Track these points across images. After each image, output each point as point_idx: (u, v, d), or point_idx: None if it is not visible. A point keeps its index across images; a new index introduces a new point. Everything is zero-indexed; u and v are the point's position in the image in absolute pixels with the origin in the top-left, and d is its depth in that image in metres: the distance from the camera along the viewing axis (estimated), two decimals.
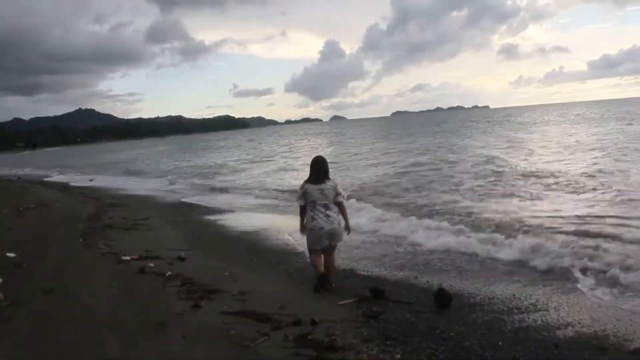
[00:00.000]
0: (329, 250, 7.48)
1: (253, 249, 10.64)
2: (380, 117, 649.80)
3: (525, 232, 9.97)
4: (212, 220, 14.60)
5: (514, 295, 6.99)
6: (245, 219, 14.56)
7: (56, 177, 40.80)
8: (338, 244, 7.55)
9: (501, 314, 6.34)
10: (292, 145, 62.63)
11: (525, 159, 23.61)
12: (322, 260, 7.51)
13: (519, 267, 8.31)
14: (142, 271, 8.36)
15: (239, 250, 10.54)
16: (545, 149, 28.53)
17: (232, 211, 16.29)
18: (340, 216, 7.35)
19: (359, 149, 43.42)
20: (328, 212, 7.21)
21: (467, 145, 36.05)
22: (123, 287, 7.48)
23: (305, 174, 7.81)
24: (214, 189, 23.16)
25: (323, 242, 7.31)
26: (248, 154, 50.42)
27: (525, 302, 6.69)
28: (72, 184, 31.24)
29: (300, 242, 10.01)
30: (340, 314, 6.43)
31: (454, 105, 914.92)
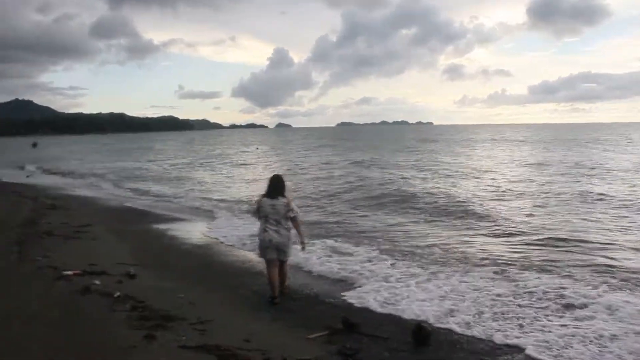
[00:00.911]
0: (281, 265, 7.89)
1: (208, 266, 9.95)
2: (326, 127, 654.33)
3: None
4: (161, 230, 13.69)
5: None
6: (195, 230, 13.74)
7: None
8: (288, 258, 8.00)
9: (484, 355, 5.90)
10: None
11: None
12: (276, 273, 7.82)
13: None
14: (87, 290, 7.44)
15: (192, 268, 9.78)
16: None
17: (181, 219, 15.39)
18: (291, 232, 7.79)
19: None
20: (278, 227, 7.66)
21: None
22: (64, 310, 6.53)
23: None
24: (157, 195, 22.06)
25: (271, 254, 7.72)
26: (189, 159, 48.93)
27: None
28: (4, 179, 29.24)
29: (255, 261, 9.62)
30: (312, 350, 5.89)
31: (399, 120, 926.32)
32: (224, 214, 16.54)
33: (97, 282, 7.87)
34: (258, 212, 7.85)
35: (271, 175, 8.26)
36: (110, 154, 66.91)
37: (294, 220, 7.77)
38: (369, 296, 7.94)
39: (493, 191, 20.00)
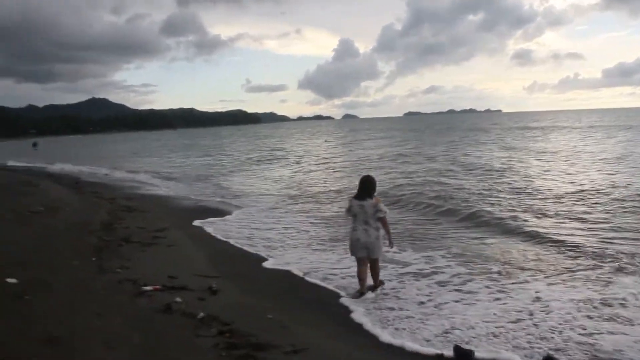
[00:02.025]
0: (371, 263, 8.20)
1: (292, 281, 9.18)
2: (392, 117, 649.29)
3: None
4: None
5: None
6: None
7: (67, 168, 39.36)
8: (377, 256, 8.25)
9: None
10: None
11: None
12: (367, 271, 8.18)
13: None
14: (168, 309, 6.85)
15: (276, 282, 9.09)
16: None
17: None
18: (379, 232, 8.06)
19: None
20: (366, 227, 8.00)
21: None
22: (145, 335, 5.92)
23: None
24: (235, 196, 21.56)
25: (360, 253, 8.09)
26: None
27: None
28: (84, 178, 29.79)
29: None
30: None
31: (467, 108, 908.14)
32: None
33: (179, 299, 7.27)
34: (348, 211, 8.28)
35: (361, 176, 8.55)
36: (181, 149, 67.92)
37: (382, 220, 8.05)
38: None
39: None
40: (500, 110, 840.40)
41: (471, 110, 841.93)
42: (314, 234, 13.17)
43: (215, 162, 41.55)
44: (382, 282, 8.40)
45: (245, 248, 11.62)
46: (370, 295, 7.98)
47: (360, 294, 7.99)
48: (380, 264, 8.55)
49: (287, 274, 9.56)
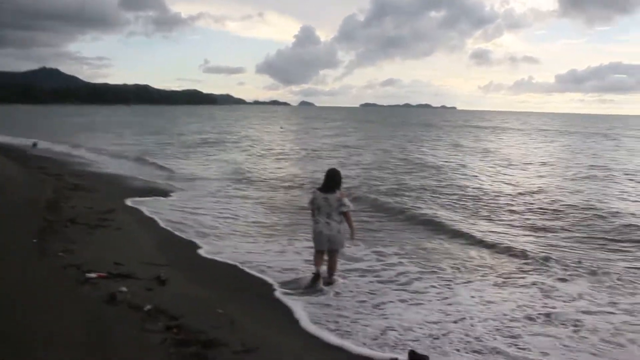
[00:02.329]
0: (330, 253, 8.22)
1: (237, 272, 8.88)
2: (349, 107, 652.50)
3: None
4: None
5: None
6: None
7: (10, 139, 37.86)
8: (340, 249, 8.31)
9: None
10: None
11: None
12: (322, 260, 8.25)
13: None
14: (113, 299, 6.53)
15: (225, 273, 8.81)
16: None
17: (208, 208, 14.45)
18: (342, 225, 8.09)
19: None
20: (328, 220, 8.03)
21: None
22: (89, 330, 5.59)
23: None
24: (186, 178, 21.11)
25: (323, 245, 8.13)
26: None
27: None
28: (30, 152, 28.70)
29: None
30: None
31: (423, 103, 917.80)
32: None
33: (124, 288, 6.94)
34: (312, 203, 8.26)
35: (328, 169, 8.61)
36: (137, 127, 66.32)
37: (345, 214, 8.10)
38: None
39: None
40: (454, 107, 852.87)
41: (427, 106, 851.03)
42: (256, 220, 13.13)
43: (167, 142, 40.74)
44: (335, 281, 8.19)
45: (190, 235, 11.27)
46: (323, 287, 7.88)
47: (314, 275, 7.99)
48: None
49: (233, 264, 9.27)
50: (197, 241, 10.65)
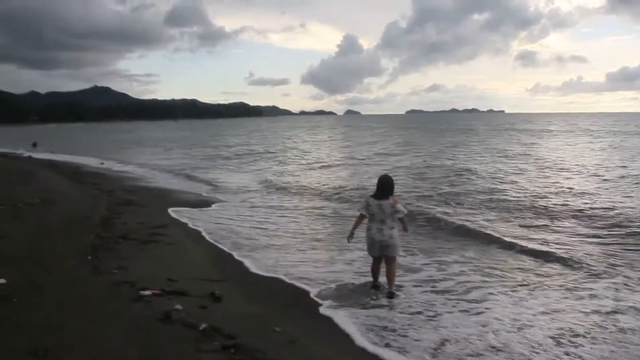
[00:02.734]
0: (387, 261, 8.08)
1: (293, 287, 8.55)
2: (395, 114, 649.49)
3: None
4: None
5: None
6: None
7: (68, 158, 38.78)
8: (396, 256, 8.20)
9: None
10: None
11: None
12: (379, 270, 8.21)
13: None
14: (168, 318, 6.34)
15: (277, 288, 8.51)
16: None
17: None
18: (394, 230, 7.97)
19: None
20: (382, 226, 7.93)
21: None
22: (142, 349, 5.40)
23: None
24: (233, 192, 21.02)
25: (375, 252, 8.09)
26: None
27: None
28: (83, 169, 29.27)
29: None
30: None
31: (469, 108, 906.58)
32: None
33: (179, 306, 6.75)
34: (366, 209, 8.08)
35: (380, 175, 8.46)
36: (184, 141, 67.29)
37: (401, 220, 8.07)
38: None
39: None
40: (503, 111, 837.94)
41: (474, 110, 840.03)
42: (303, 231, 12.90)
43: (212, 154, 41.09)
44: (396, 294, 7.90)
45: (239, 248, 11.04)
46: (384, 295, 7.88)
47: (374, 287, 8.14)
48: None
49: (284, 278, 8.95)
50: (247, 254, 10.45)
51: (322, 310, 7.45)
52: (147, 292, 7.23)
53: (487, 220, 13.70)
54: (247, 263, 9.82)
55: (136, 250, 9.87)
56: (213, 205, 16.39)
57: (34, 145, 33.24)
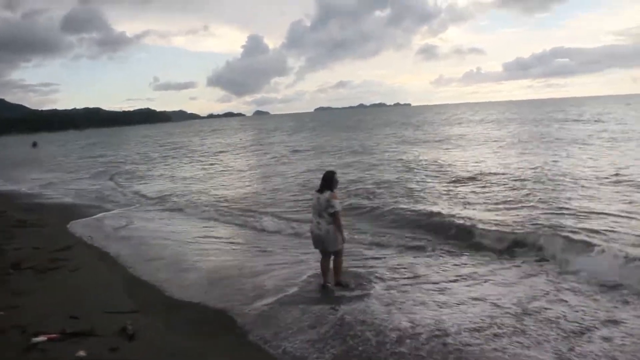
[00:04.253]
0: (334, 256, 8.00)
1: (226, 314, 7.41)
2: (304, 112, 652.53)
3: None
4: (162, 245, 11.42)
5: None
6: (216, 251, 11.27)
7: None
8: (333, 250, 7.93)
9: None
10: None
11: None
12: (328, 264, 8.05)
13: None
14: None
15: (210, 313, 7.34)
16: None
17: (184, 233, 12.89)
18: (331, 226, 7.75)
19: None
20: (320, 220, 7.82)
21: None
22: None
23: None
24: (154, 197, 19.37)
25: (317, 246, 8.02)
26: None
27: None
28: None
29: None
30: None
31: (377, 102, 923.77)
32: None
33: (83, 352, 5.50)
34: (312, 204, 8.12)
35: (326, 171, 8.24)
36: (87, 151, 63.50)
37: (333, 215, 7.76)
38: None
39: None
40: (409, 104, 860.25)
41: (381, 104, 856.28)
42: (223, 241, 11.89)
43: (123, 165, 38.63)
44: (347, 284, 8.02)
45: (157, 269, 9.70)
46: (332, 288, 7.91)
47: (322, 286, 7.98)
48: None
49: (209, 301, 7.78)
50: (165, 277, 9.08)
51: (252, 337, 6.42)
52: (42, 338, 5.90)
53: None
54: (165, 286, 8.52)
55: (31, 281, 8.39)
56: (123, 221, 14.71)
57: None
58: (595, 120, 48.67)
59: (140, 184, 24.91)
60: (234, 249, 11.10)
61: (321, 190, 7.90)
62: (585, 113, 67.59)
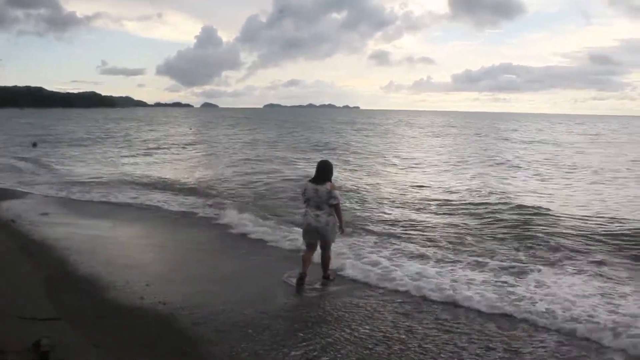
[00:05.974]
0: (322, 250, 7.92)
1: (167, 318, 6.34)
2: (252, 108, 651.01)
3: None
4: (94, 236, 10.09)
5: None
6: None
7: None
8: (332, 242, 7.94)
9: None
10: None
11: None
12: (311, 256, 7.88)
13: None
14: None
15: (148, 319, 6.19)
16: None
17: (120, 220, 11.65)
18: (331, 217, 7.72)
19: None
20: (318, 212, 7.68)
21: None
22: None
23: None
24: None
25: (310, 238, 7.84)
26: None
27: None
28: None
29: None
30: None
31: (326, 103, 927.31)
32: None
33: None
34: (303, 195, 7.92)
35: (320, 160, 8.19)
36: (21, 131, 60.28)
37: (335, 207, 7.73)
38: None
39: None
40: (358, 107, 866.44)
41: (331, 106, 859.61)
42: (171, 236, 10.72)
43: (60, 142, 36.65)
44: (334, 278, 8.05)
45: (89, 262, 8.45)
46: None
47: (300, 277, 7.68)
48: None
49: (161, 304, 6.69)
50: (95, 272, 7.86)
51: (201, 347, 5.42)
52: None
53: None
54: (96, 286, 7.31)
55: None
56: (51, 205, 13.26)
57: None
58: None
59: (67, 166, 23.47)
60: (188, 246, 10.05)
61: (318, 181, 7.73)
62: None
